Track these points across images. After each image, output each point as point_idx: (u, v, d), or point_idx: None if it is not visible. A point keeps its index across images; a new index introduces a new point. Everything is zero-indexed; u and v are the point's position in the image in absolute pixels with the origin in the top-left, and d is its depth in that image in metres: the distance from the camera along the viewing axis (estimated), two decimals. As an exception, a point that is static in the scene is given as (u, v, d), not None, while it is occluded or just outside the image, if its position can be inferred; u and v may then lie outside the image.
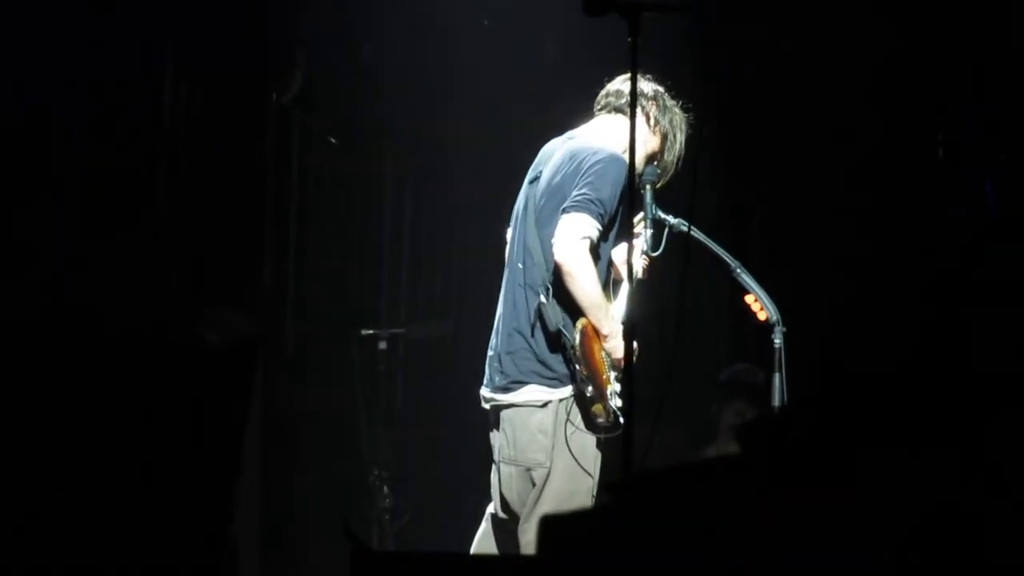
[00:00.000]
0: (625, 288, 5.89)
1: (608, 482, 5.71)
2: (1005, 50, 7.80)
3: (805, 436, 2.94)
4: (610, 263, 5.88)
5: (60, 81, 7.81)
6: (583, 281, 5.61)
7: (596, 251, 5.67)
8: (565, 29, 7.88)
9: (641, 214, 5.99)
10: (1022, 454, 2.79)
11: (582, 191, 5.63)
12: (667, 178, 6.01)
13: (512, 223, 6.02)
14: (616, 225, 5.75)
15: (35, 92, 7.70)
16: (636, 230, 5.95)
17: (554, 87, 8.25)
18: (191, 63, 8.42)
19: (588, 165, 5.68)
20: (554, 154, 5.89)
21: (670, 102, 5.99)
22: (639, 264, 5.95)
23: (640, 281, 5.99)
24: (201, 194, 8.50)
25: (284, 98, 8.90)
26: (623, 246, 5.86)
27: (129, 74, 8.12)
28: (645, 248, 5.97)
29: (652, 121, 5.92)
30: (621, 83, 5.96)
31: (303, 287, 9.12)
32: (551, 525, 3.36)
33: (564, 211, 5.64)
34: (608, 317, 5.68)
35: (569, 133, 6.00)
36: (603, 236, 5.68)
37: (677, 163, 5.98)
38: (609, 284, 5.87)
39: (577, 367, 5.64)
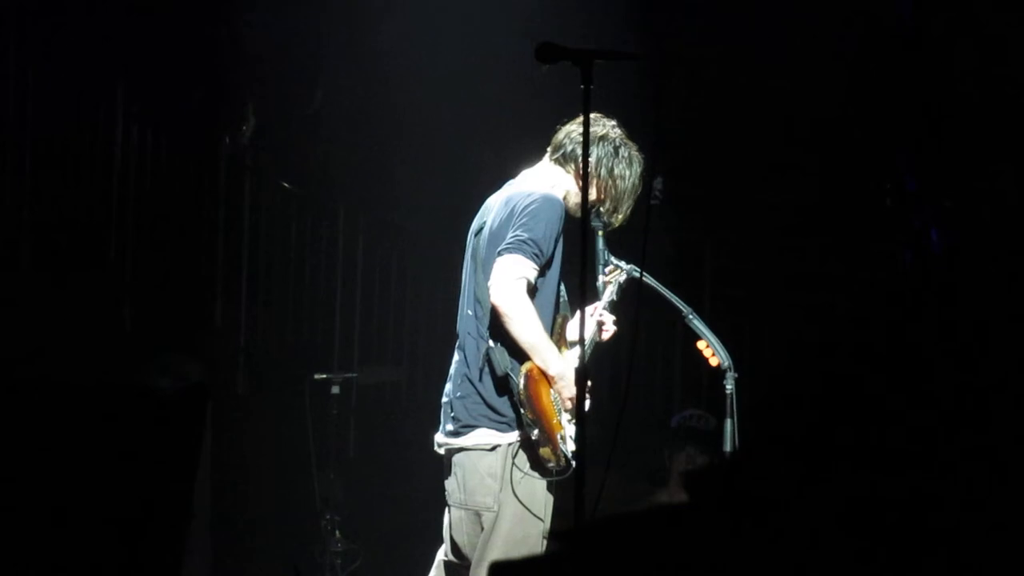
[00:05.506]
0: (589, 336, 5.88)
1: (559, 529, 5.69)
2: (950, 100, 7.89)
3: (755, 481, 2.95)
4: (557, 304, 5.85)
5: (9, 124, 7.81)
6: (521, 323, 5.58)
7: (534, 291, 5.66)
8: (516, 75, 7.90)
9: (610, 289, 6.02)
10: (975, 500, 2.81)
11: (515, 232, 5.60)
12: (617, 222, 5.96)
13: (463, 274, 6.01)
14: (556, 264, 5.74)
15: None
16: (601, 310, 5.97)
17: (505, 133, 8.28)
18: (143, 109, 8.43)
19: (522, 207, 5.66)
20: (495, 204, 5.89)
21: (610, 148, 5.91)
22: (605, 320, 5.96)
23: (599, 338, 5.98)
24: (153, 239, 8.50)
25: (238, 141, 8.91)
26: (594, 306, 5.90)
27: (81, 119, 8.12)
28: (609, 300, 6.00)
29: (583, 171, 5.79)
30: (562, 134, 5.94)
31: (255, 331, 9.12)
32: (501, 572, 3.35)
33: (499, 254, 5.62)
34: (555, 358, 5.65)
35: (508, 183, 6.00)
36: (541, 274, 5.66)
37: (620, 209, 5.92)
38: (562, 327, 5.85)
39: (523, 411, 5.61)
